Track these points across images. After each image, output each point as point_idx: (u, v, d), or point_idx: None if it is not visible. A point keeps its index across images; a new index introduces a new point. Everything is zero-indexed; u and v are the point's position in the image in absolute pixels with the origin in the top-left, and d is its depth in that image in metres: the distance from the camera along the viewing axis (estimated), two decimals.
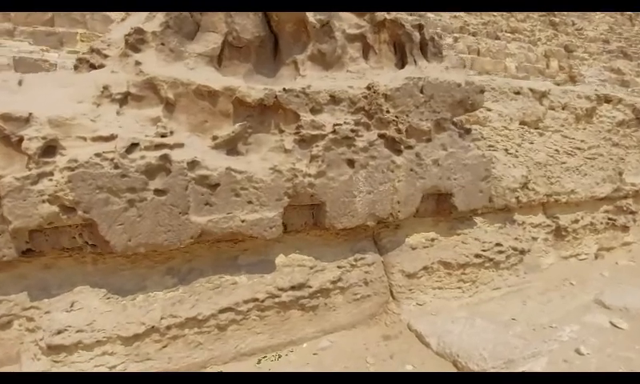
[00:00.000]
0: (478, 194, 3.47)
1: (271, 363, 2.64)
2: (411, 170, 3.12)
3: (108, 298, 2.45)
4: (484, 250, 3.49)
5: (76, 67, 3.04)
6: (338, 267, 3.05)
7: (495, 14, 23.07)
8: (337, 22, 3.18)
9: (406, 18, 3.39)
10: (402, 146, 3.09)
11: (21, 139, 2.15)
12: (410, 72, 3.25)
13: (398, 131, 3.05)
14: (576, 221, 4.27)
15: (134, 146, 2.33)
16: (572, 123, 4.67)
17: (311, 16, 3.03)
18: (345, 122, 2.87)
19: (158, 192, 2.36)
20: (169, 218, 2.39)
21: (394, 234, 3.37)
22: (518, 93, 4.41)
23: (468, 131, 3.54)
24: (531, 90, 4.43)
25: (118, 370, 2.32)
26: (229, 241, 2.80)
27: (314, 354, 2.73)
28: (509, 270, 3.60)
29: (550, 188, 4.13)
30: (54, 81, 2.64)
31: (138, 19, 2.95)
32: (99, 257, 2.52)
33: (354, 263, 3.11)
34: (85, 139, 2.30)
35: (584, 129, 4.61)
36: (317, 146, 2.79)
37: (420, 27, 3.47)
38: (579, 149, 4.39)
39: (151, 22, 2.85)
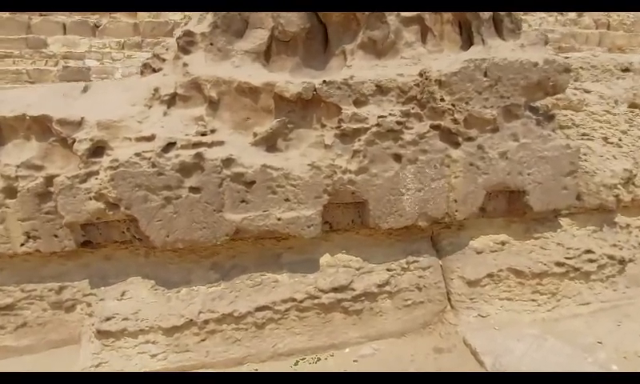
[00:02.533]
0: (560, 192, 2.97)
1: (309, 366, 2.56)
2: (471, 164, 2.77)
3: (155, 290, 2.60)
4: (568, 258, 2.98)
5: (141, 72, 3.27)
6: (388, 270, 2.84)
7: None
8: None
9: None
10: (460, 138, 2.76)
11: (74, 141, 2.37)
12: (474, 53, 2.88)
13: (455, 121, 2.73)
14: None
15: (170, 145, 2.42)
16: None
17: None
18: (390, 114, 2.65)
19: (192, 189, 2.42)
20: (203, 215, 2.44)
21: (456, 235, 3.04)
22: (626, 70, 3.70)
23: (550, 118, 3.04)
24: None
25: (159, 358, 2.44)
26: (272, 238, 2.78)
27: (354, 361, 2.58)
28: (603, 283, 3.03)
29: None
30: (116, 86, 2.87)
31: (192, 23, 3.06)
32: (151, 250, 2.67)
33: (406, 266, 2.87)
34: (130, 140, 2.45)
35: None
36: (359, 140, 2.62)
37: None
38: None
39: (201, 23, 2.93)
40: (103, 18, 18.23)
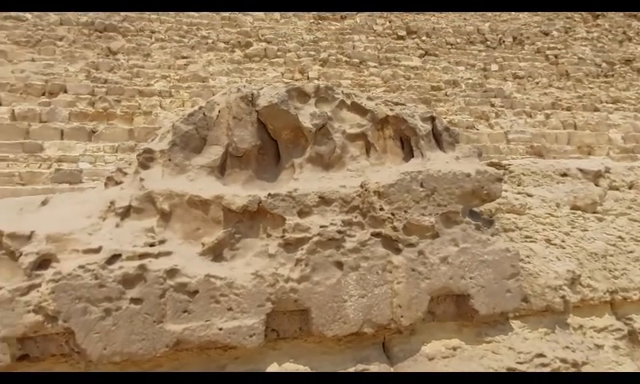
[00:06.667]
0: (505, 295, 3.04)
1: None
2: (413, 269, 2.87)
3: None
4: (520, 362, 2.96)
5: (105, 185, 3.45)
6: None
7: (592, 85, 21.68)
8: (336, 124, 3.24)
9: (411, 112, 3.35)
10: (401, 245, 2.89)
11: (21, 254, 2.45)
12: (412, 166, 3.12)
13: (394, 229, 2.88)
14: None
15: (115, 256, 2.50)
16: None
17: (307, 122, 3.14)
18: (331, 223, 2.80)
19: (133, 301, 2.47)
20: (143, 326, 2.46)
21: (407, 340, 3.04)
22: (564, 175, 3.96)
23: (490, 223, 3.21)
24: (581, 170, 3.95)
25: None
26: (218, 348, 2.76)
27: None
28: None
29: (613, 283, 3.46)
30: (74, 199, 3.02)
31: (154, 141, 3.31)
32: (90, 363, 2.63)
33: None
34: (78, 252, 2.54)
35: None
36: (301, 249, 2.74)
37: (432, 119, 3.40)
38: None
39: (162, 141, 3.18)
40: (100, 125, 19.22)
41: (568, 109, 19.33)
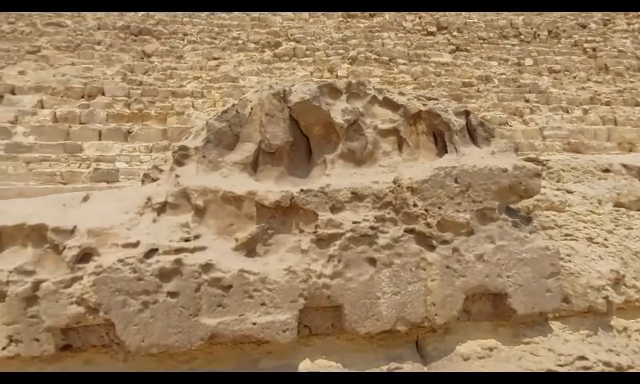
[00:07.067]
0: (544, 294, 2.93)
1: None
2: (447, 267, 2.81)
3: None
4: (560, 365, 2.85)
5: (142, 181, 3.54)
6: None
7: (633, 79, 20.71)
8: (368, 119, 3.22)
9: (444, 107, 3.28)
10: (435, 241, 2.83)
11: (65, 248, 2.55)
12: (446, 161, 3.06)
13: (428, 225, 2.82)
14: None
15: (152, 251, 2.57)
16: None
17: (338, 117, 3.13)
18: (364, 219, 2.77)
19: (170, 294, 2.52)
20: (179, 319, 2.51)
21: (441, 339, 2.98)
22: (607, 170, 3.79)
23: (528, 220, 3.11)
24: (624, 165, 3.77)
25: None
26: (251, 343, 2.79)
27: None
28: None
29: None
30: (113, 195, 3.12)
31: (188, 139, 3.38)
32: (129, 354, 2.71)
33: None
34: (117, 246, 2.62)
35: None
36: (334, 245, 2.73)
37: (466, 114, 3.32)
38: None
39: (196, 138, 3.24)
40: (135, 125, 19.81)
41: (607, 104, 18.54)
